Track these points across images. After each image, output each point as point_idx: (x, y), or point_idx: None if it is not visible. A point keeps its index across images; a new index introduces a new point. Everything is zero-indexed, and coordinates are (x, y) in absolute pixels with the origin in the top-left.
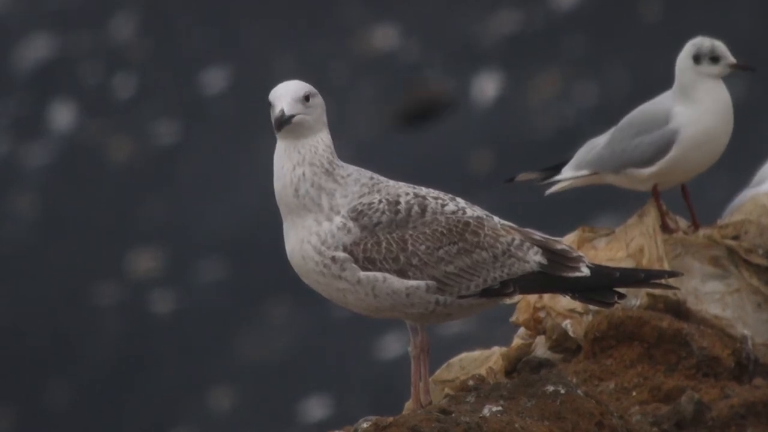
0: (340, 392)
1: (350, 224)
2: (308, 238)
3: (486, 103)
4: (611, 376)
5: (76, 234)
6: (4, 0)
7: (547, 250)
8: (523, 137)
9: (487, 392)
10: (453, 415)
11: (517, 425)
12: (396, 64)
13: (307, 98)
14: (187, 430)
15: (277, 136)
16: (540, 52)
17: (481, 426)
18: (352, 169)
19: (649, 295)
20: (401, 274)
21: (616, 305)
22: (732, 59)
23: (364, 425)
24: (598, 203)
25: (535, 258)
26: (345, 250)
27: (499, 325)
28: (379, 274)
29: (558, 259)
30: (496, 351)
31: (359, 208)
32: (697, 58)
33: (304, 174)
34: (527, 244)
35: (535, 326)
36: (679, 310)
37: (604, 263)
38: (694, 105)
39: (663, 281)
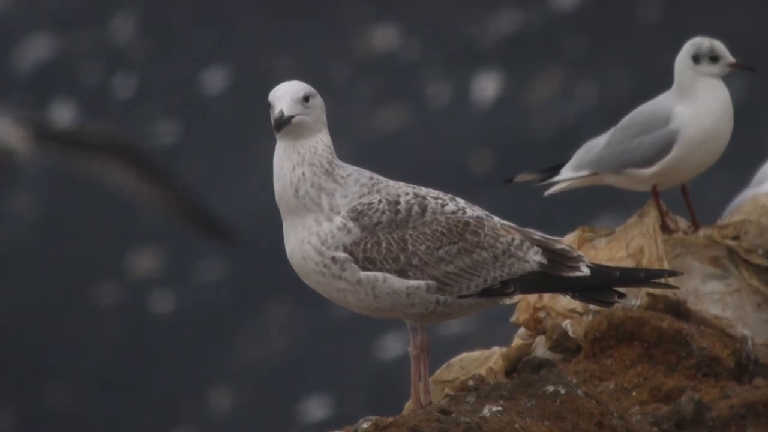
0: (340, 392)
1: (350, 224)
2: (308, 239)
3: (486, 103)
4: (611, 376)
5: (76, 234)
6: (4, 0)
7: (547, 250)
8: (523, 137)
9: (487, 392)
10: (453, 415)
11: (517, 425)
12: (396, 64)
13: (306, 99)
14: (187, 430)
15: (277, 136)
16: (540, 52)
17: (481, 426)
18: (351, 169)
19: (649, 295)
20: (401, 274)
21: (616, 305)
22: (731, 59)
23: (364, 425)
24: (598, 203)
25: (535, 258)
26: (345, 250)
27: (499, 325)
28: (379, 274)
29: (558, 258)
30: (496, 351)
31: (359, 208)
32: (696, 58)
33: (303, 174)
34: (527, 243)
35: (535, 326)
36: (679, 310)
37: (604, 263)
38: (695, 105)
39: (663, 281)
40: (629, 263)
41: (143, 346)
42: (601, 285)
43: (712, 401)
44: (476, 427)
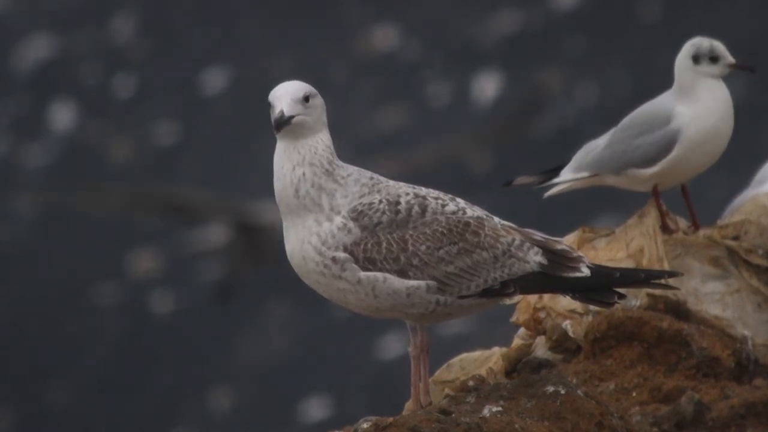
0: (340, 392)
1: (350, 224)
2: (308, 239)
3: (486, 103)
4: (611, 376)
5: (76, 234)
6: (4, 0)
7: (547, 251)
8: (523, 137)
9: (487, 393)
10: (453, 415)
11: (517, 426)
12: (396, 64)
13: (306, 99)
14: (187, 430)
15: (277, 136)
16: (540, 52)
17: (481, 426)
18: (352, 169)
19: (649, 295)
20: (402, 274)
21: (616, 305)
22: (731, 59)
23: (364, 425)
24: (598, 204)
25: (535, 258)
26: (345, 250)
27: (499, 325)
28: (379, 275)
29: (558, 259)
30: (496, 351)
31: (359, 208)
32: (696, 58)
33: (304, 174)
34: (527, 244)
35: (535, 326)
36: (679, 310)
37: (604, 263)
38: (695, 105)
39: (663, 281)
40: (629, 264)
41: (143, 346)
42: (601, 285)
43: (712, 401)
44: (476, 427)
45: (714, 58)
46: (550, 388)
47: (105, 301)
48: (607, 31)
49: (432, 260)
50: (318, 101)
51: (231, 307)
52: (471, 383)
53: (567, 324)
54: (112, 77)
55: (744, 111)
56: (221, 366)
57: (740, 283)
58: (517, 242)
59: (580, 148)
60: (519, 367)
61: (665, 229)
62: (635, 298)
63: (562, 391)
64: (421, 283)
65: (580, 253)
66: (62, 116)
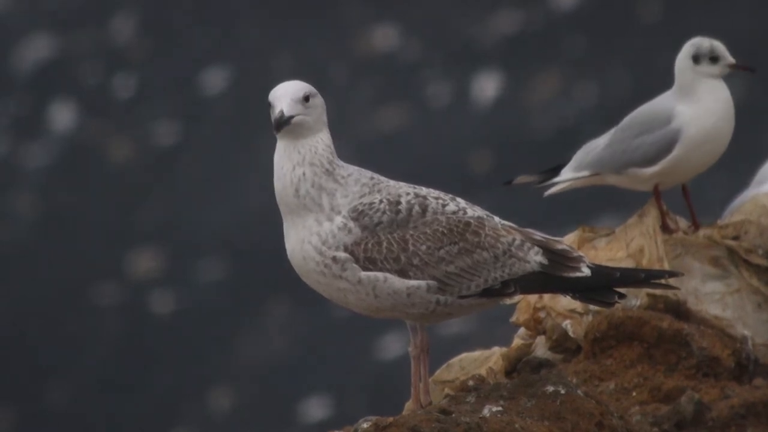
0: (340, 392)
1: (351, 224)
2: (309, 238)
3: (486, 103)
4: (611, 376)
5: (76, 234)
6: (4, 0)
7: (547, 250)
8: (523, 137)
9: (487, 392)
10: (453, 415)
11: (517, 425)
12: (396, 64)
13: (306, 98)
14: (187, 430)
15: (277, 136)
16: (540, 52)
17: (481, 426)
18: (352, 169)
19: (649, 295)
20: (402, 274)
21: (616, 305)
22: (731, 59)
23: (364, 425)
24: (599, 203)
25: (535, 258)
26: (346, 250)
27: (499, 325)
28: (380, 274)
29: (558, 259)
30: (496, 351)
31: (360, 208)
32: (696, 59)
33: (304, 174)
34: (528, 244)
35: (535, 326)
36: (679, 310)
37: (604, 263)
38: (696, 104)
39: (663, 281)
40: (629, 263)
41: (143, 346)
42: (601, 285)
43: (712, 401)
44: (476, 427)
45: (714, 58)
46: (550, 388)
47: (105, 301)
48: (607, 31)
49: (432, 260)
50: (318, 101)
51: (231, 307)
52: (471, 383)
53: (567, 324)
54: (112, 77)
55: (744, 111)
56: (221, 366)
57: (740, 283)
58: (517, 242)
59: (580, 148)
60: (519, 367)
61: (665, 228)
62: (635, 298)
63: (562, 391)
64: (422, 282)
65: (581, 253)
66: (62, 116)
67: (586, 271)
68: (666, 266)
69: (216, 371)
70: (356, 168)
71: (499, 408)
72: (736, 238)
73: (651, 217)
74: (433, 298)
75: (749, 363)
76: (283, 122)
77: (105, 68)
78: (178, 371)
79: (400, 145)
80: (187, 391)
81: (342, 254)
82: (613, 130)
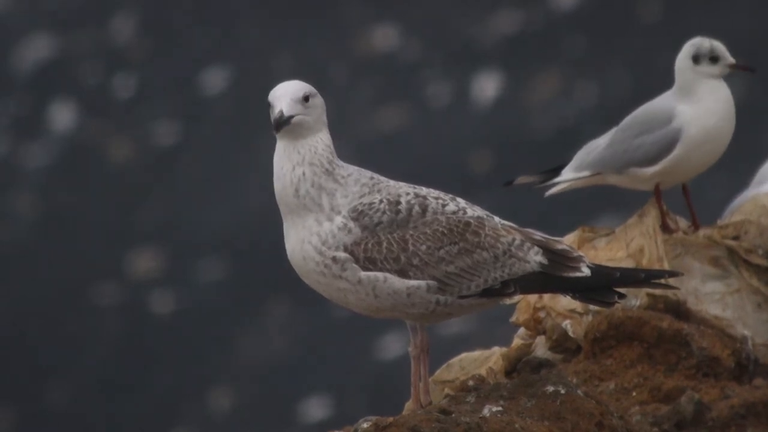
0: (340, 392)
1: (351, 224)
2: (309, 239)
3: (486, 103)
4: (611, 376)
5: (76, 234)
6: (4, 0)
7: (547, 250)
8: (523, 137)
9: (487, 392)
10: (453, 415)
11: (517, 425)
12: (396, 64)
13: (306, 98)
14: (187, 430)
15: (277, 136)
16: (540, 52)
17: (481, 426)
18: (352, 168)
19: (649, 295)
20: (402, 274)
21: (616, 305)
22: (731, 59)
23: (364, 425)
24: (599, 203)
25: (535, 258)
26: (346, 250)
27: (499, 325)
28: (380, 274)
29: (558, 259)
30: (496, 351)
31: (360, 208)
32: (696, 59)
33: (304, 174)
34: (528, 244)
35: (535, 326)
36: (679, 310)
37: (604, 263)
38: (697, 104)
39: (663, 281)
40: (629, 263)
41: (143, 346)
42: (601, 285)
43: (712, 401)
44: (476, 427)
45: (714, 59)
46: (550, 388)
47: (105, 301)
48: (607, 31)
49: (432, 260)
50: (318, 101)
51: (231, 307)
52: (471, 383)
53: (567, 324)
54: (112, 77)
55: (744, 111)
56: (221, 366)
57: (740, 283)
58: (517, 242)
59: (580, 148)
60: (519, 367)
61: (665, 228)
62: (635, 298)
63: (562, 391)
64: (422, 282)
65: (581, 253)
66: (62, 116)
67: (586, 271)
68: (666, 266)
69: (216, 371)
70: (356, 168)
71: (499, 408)
72: (736, 238)
73: (651, 217)
74: (433, 298)
75: (749, 363)
76: (283, 122)
77: (105, 68)
78: (178, 371)
79: (400, 145)
80: (187, 391)
81: (342, 254)
82: (613, 130)
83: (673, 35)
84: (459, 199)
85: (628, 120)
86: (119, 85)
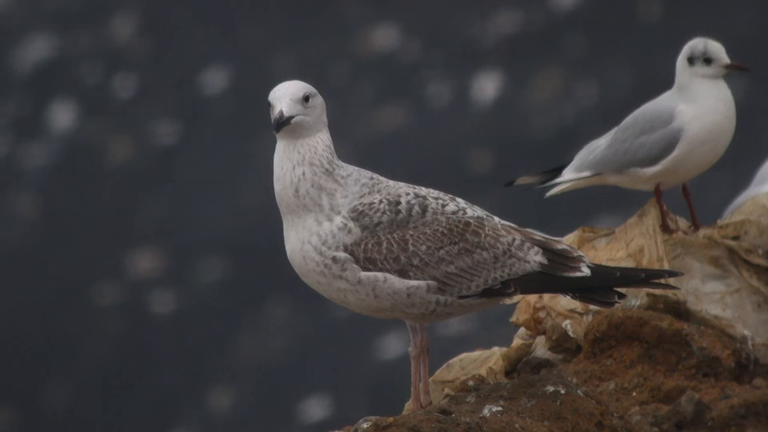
0: (340, 392)
1: (351, 224)
2: (309, 239)
3: (486, 103)
4: (611, 376)
5: (76, 234)
6: (4, 0)
7: (547, 250)
8: (523, 137)
9: (487, 392)
10: (453, 415)
11: (517, 425)
12: (396, 64)
13: (306, 99)
14: (187, 430)
15: (277, 136)
16: (540, 52)
17: (481, 426)
18: (352, 169)
19: (649, 295)
20: (402, 274)
21: (616, 305)
22: (725, 60)
23: (364, 425)
24: (599, 203)
25: (535, 258)
26: (346, 250)
27: (499, 325)
28: (379, 274)
29: (558, 259)
30: (496, 351)
31: (360, 208)
32: (690, 60)
33: (304, 174)
34: (528, 244)
35: (535, 326)
36: (679, 310)
37: (604, 263)
38: (697, 104)
39: (663, 281)
40: (629, 263)
41: (143, 346)
42: (601, 285)
43: (712, 401)
44: (476, 427)
45: (708, 60)
46: (550, 388)
47: (105, 301)
48: (607, 31)
49: (432, 260)
50: (318, 101)
51: (231, 307)
52: (471, 383)
53: (567, 324)
54: (112, 77)
55: (744, 111)
56: (221, 366)
57: (740, 283)
58: (517, 242)
59: (580, 148)
60: (519, 367)
61: (665, 228)
62: (635, 298)
63: (562, 391)
64: (422, 283)
65: (581, 253)
66: (62, 116)
67: (586, 271)
68: (666, 266)
69: (216, 371)
70: (356, 168)
71: (499, 408)
72: (736, 238)
73: (651, 217)
74: (433, 299)
75: (749, 363)
76: (283, 122)
77: (105, 68)
78: (178, 371)
79: (400, 145)
80: (187, 391)
81: (342, 254)
82: (614, 130)
83: (673, 35)
84: (459, 200)
85: (628, 120)
86: (119, 85)
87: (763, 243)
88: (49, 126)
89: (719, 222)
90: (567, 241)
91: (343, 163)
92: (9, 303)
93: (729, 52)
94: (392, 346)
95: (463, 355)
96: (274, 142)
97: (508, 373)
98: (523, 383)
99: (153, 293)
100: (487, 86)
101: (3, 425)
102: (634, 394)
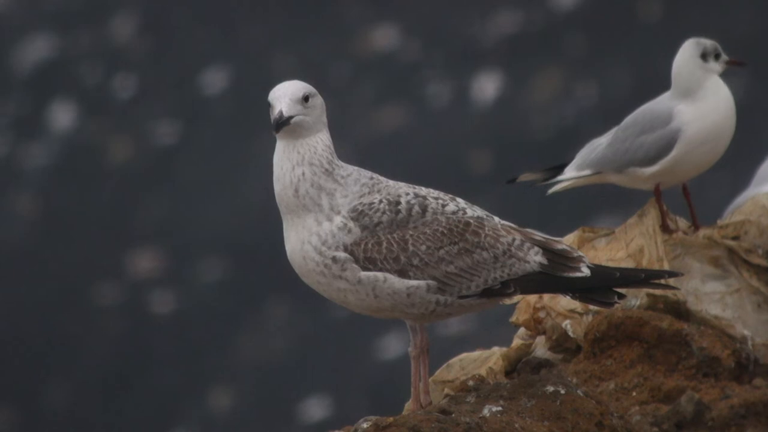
0: (340, 392)
1: (351, 224)
2: (309, 239)
3: (486, 103)
4: (611, 376)
5: (76, 234)
6: (4, 0)
7: (547, 251)
8: (523, 137)
9: (487, 392)
10: (453, 415)
11: (517, 425)
12: (396, 64)
13: (306, 99)
14: (187, 430)
15: (276, 136)
16: (540, 52)
17: (481, 426)
18: (351, 168)
19: (649, 295)
20: (402, 274)
21: (616, 305)
22: (725, 56)
23: (364, 425)
24: (598, 203)
25: (535, 258)
26: (346, 250)
27: (499, 325)
28: (379, 274)
29: (558, 259)
30: (496, 351)
31: (360, 208)
32: (704, 56)
33: (303, 174)
34: (528, 244)
35: (535, 326)
36: (679, 310)
37: (604, 263)
38: (697, 104)
39: (663, 281)
40: (629, 263)
41: (143, 346)
42: (601, 285)
43: (712, 401)
44: (476, 427)
45: (718, 56)
46: (550, 388)
47: (105, 301)
48: (607, 31)
49: (432, 260)
50: (317, 101)
51: (231, 307)
52: (471, 383)
53: (567, 324)
54: (112, 77)
55: (744, 111)
56: (221, 366)
57: (740, 283)
58: (517, 242)
59: (580, 147)
60: (519, 367)
61: (665, 229)
62: (635, 298)
63: (562, 391)
64: (422, 283)
65: (581, 253)
66: (62, 116)
67: (586, 271)
68: (666, 266)
69: (216, 371)
70: (356, 168)
71: (499, 408)
72: (736, 238)
73: (651, 217)
74: (433, 299)
75: (749, 363)
76: (283, 122)
77: (105, 68)
78: (178, 371)
79: (400, 145)
80: (187, 391)
81: (342, 254)
82: (614, 130)
83: (673, 35)
84: (459, 199)
85: (628, 120)
86: (119, 85)
87: (763, 243)
88: (49, 126)
89: (719, 222)
90: (567, 241)
91: (342, 163)
92: (9, 303)
93: (728, 51)
94: (392, 346)
95: (463, 355)
96: (274, 142)
97: (508, 373)
98: (523, 383)
99: (153, 293)
100: (487, 86)
101: (3, 425)
102: (634, 394)
